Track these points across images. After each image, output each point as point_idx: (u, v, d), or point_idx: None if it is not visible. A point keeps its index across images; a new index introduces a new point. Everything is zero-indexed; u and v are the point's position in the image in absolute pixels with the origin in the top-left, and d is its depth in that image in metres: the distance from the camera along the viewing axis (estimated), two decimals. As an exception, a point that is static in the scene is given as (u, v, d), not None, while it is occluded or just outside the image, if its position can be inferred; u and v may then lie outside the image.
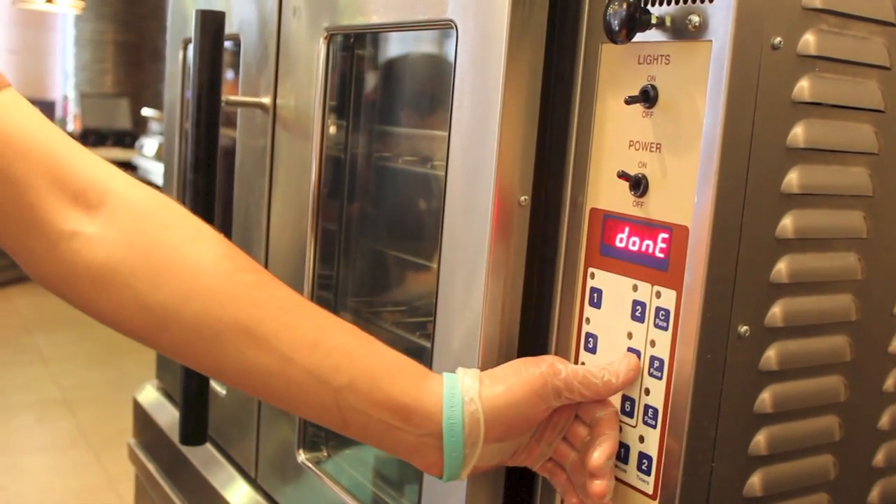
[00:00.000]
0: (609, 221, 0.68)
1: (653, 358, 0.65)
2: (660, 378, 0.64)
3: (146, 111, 6.03)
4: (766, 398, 0.65)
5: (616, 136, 0.67)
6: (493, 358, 0.72)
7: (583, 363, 0.71)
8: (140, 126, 6.62)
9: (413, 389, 0.66)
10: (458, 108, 0.74)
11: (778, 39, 0.60)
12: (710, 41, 0.59)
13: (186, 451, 1.27)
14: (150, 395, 1.49)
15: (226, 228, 1.17)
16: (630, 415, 0.67)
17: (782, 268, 0.64)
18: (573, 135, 0.71)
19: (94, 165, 0.66)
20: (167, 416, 1.40)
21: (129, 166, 5.53)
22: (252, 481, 1.15)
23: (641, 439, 0.66)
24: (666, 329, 0.63)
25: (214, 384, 1.19)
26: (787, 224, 0.63)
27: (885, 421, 0.74)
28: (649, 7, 0.63)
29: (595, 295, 0.70)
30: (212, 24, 0.98)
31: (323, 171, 1.00)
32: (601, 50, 0.68)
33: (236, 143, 1.17)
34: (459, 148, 0.75)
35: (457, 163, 0.75)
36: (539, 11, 0.71)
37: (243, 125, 1.15)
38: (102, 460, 3.20)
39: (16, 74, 6.57)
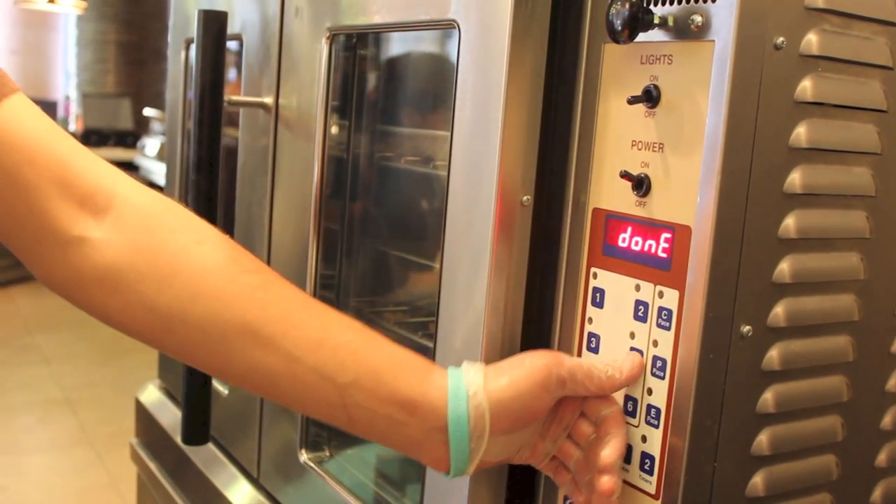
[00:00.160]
0: (611, 221, 0.68)
1: (655, 358, 0.65)
2: (662, 378, 0.64)
3: (148, 111, 6.03)
4: (768, 398, 0.65)
5: (618, 136, 0.67)
6: (496, 358, 0.72)
7: (585, 363, 0.71)
8: (142, 126, 6.62)
9: (418, 384, 0.66)
10: (461, 107, 0.75)
11: (780, 39, 0.60)
12: (713, 41, 0.59)
13: (188, 450, 1.27)
14: (152, 395, 1.49)
15: (228, 228, 1.17)
16: (633, 414, 0.67)
17: (785, 268, 0.64)
18: (575, 135, 0.71)
19: (101, 170, 0.67)
20: (169, 415, 1.41)
21: (131, 166, 5.54)
22: (254, 481, 1.15)
23: (644, 439, 0.66)
24: (668, 329, 0.63)
25: (216, 384, 1.19)
26: (790, 224, 0.63)
27: (887, 421, 0.74)
28: (652, 7, 0.63)
29: (597, 295, 0.70)
30: (214, 24, 0.98)
31: (325, 170, 1.00)
32: (604, 50, 0.68)
33: (238, 143, 1.17)
34: (462, 148, 0.75)
35: (459, 162, 0.75)
36: (541, 11, 0.71)
37: (245, 125, 1.15)
38: (104, 460, 3.20)
39: (18, 74, 6.56)
